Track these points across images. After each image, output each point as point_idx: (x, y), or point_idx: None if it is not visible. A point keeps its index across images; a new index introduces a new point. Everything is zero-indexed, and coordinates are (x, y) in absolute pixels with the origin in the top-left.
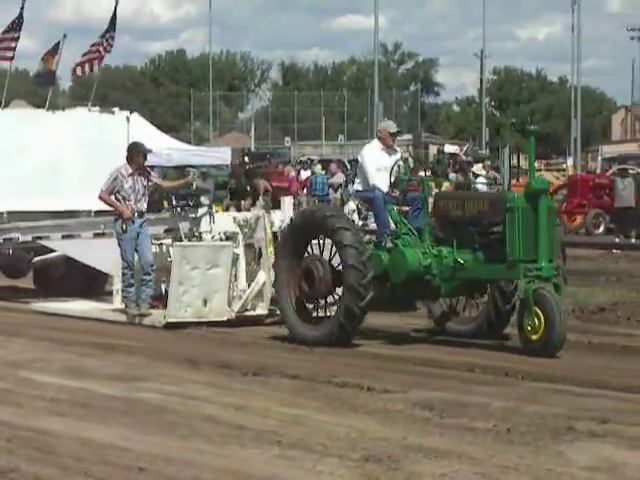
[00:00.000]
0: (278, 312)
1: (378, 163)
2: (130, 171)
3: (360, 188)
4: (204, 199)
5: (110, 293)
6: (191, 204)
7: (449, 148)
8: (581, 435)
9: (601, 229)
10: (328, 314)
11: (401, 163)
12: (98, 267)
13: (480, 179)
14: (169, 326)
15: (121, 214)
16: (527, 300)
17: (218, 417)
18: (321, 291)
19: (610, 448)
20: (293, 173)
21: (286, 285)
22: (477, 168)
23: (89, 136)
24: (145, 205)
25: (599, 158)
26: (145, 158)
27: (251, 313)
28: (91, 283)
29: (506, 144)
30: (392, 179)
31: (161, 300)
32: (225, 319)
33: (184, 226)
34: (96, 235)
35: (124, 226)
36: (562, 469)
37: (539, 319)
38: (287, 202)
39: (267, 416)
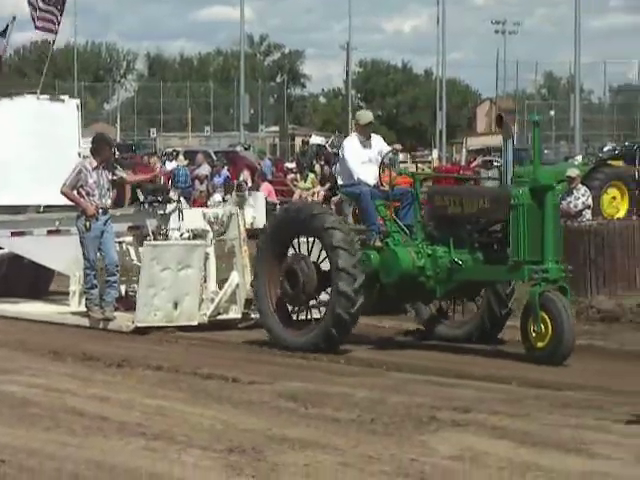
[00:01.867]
0: (253, 316)
1: (361, 156)
2: (95, 164)
3: (344, 183)
4: (173, 194)
5: (56, 294)
6: (160, 200)
7: (315, 140)
8: (444, 425)
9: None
10: (312, 317)
11: (391, 154)
12: (53, 267)
13: None
14: (138, 331)
15: (84, 211)
16: (533, 304)
17: (82, 409)
18: (305, 293)
19: (472, 437)
20: (159, 165)
21: (266, 287)
22: None
23: (38, 126)
24: (110, 201)
25: (464, 150)
26: (112, 150)
27: (224, 317)
28: (35, 284)
29: (509, 136)
30: (381, 171)
31: (121, 302)
32: (196, 323)
33: (151, 223)
34: (50, 232)
35: (87, 223)
36: (425, 458)
37: (545, 325)
38: (259, 198)
39: (131, 407)
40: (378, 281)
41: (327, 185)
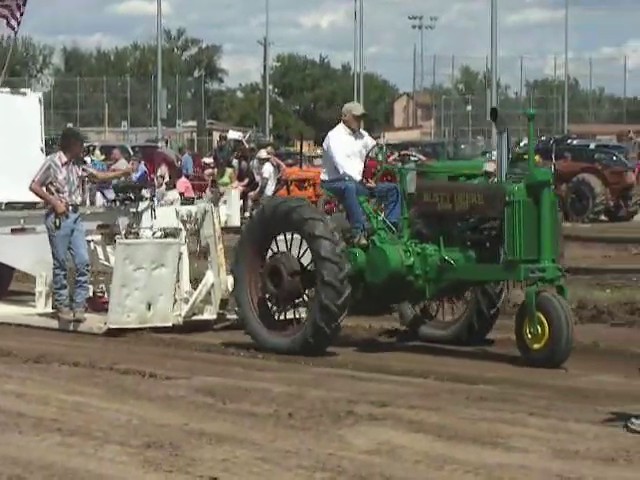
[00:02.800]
0: (229, 316)
1: (347, 149)
2: (64, 160)
3: (328, 178)
4: (146, 192)
5: (15, 294)
6: (132, 197)
7: (232, 134)
8: (361, 419)
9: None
10: (296, 317)
11: (377, 149)
12: (17, 267)
13: (266, 165)
14: (110, 333)
15: (54, 208)
16: (529, 305)
17: None
18: (290, 292)
19: (389, 431)
20: (132, 161)
21: (247, 286)
22: (261, 153)
23: None
24: (80, 198)
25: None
26: (82, 146)
27: (199, 317)
28: None
29: (503, 129)
30: (366, 166)
31: (89, 303)
32: (171, 324)
33: (123, 221)
34: (14, 231)
35: (57, 221)
36: (342, 453)
37: (542, 326)
38: (233, 195)
39: (47, 403)
40: (363, 281)
41: (245, 180)
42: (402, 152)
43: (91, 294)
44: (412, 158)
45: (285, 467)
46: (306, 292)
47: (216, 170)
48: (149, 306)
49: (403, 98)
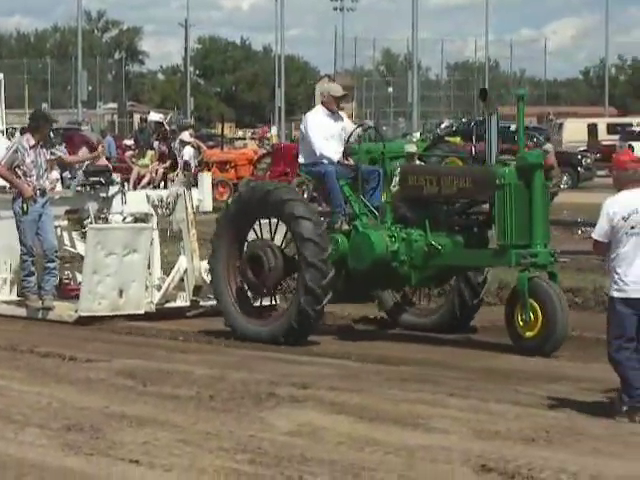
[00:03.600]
0: (202, 303)
1: (325, 131)
2: (32, 143)
3: (306, 161)
4: (116, 176)
5: None
6: (103, 181)
7: (153, 116)
8: (283, 401)
9: (305, 195)
10: (274, 303)
11: (360, 132)
12: None
13: (187, 147)
14: (81, 321)
15: (21, 192)
16: (521, 291)
17: None
18: (271, 281)
19: (311, 413)
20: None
21: (225, 273)
22: (183, 136)
23: None
24: (48, 182)
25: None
26: (51, 128)
27: (171, 305)
28: None
29: (493, 111)
30: (345, 147)
31: (56, 291)
32: (143, 312)
33: (93, 207)
34: None
35: (25, 206)
36: (263, 434)
37: (535, 314)
38: (205, 179)
39: None
40: (345, 267)
41: (167, 162)
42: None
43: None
44: None
45: (206, 449)
46: (287, 280)
47: (137, 152)
48: (121, 293)
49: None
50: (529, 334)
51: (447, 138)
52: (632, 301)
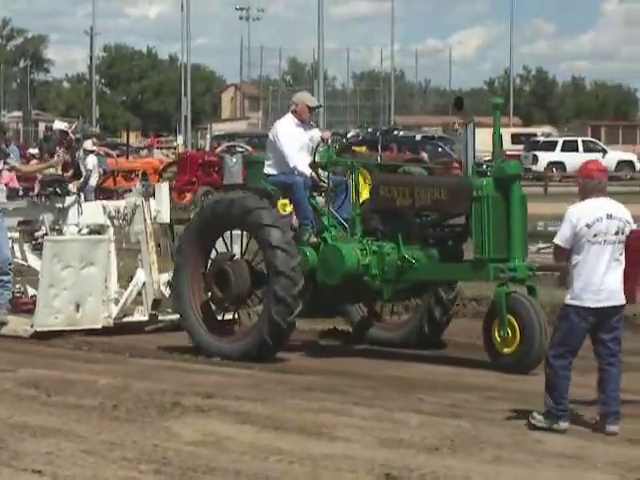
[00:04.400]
0: (161, 317)
1: (297, 142)
2: None
3: (274, 172)
4: (72, 186)
5: None
6: (58, 192)
7: (58, 125)
8: (187, 410)
9: None
10: (237, 319)
11: (324, 143)
12: None
13: (90, 156)
14: (37, 336)
15: None
16: (499, 307)
17: None
18: (238, 297)
19: (215, 422)
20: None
21: (189, 288)
22: (86, 144)
23: None
24: (2, 194)
25: (208, 136)
26: (5, 137)
27: (129, 319)
28: None
29: (469, 120)
30: (316, 159)
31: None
32: (100, 327)
33: (48, 218)
34: None
35: None
36: (168, 444)
37: (513, 330)
38: (163, 189)
39: None
40: (314, 281)
41: (70, 172)
42: (229, 143)
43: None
44: (239, 149)
45: (110, 459)
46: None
47: (41, 160)
48: (77, 307)
49: (230, 89)
50: (507, 351)
51: (353, 147)
52: (586, 311)
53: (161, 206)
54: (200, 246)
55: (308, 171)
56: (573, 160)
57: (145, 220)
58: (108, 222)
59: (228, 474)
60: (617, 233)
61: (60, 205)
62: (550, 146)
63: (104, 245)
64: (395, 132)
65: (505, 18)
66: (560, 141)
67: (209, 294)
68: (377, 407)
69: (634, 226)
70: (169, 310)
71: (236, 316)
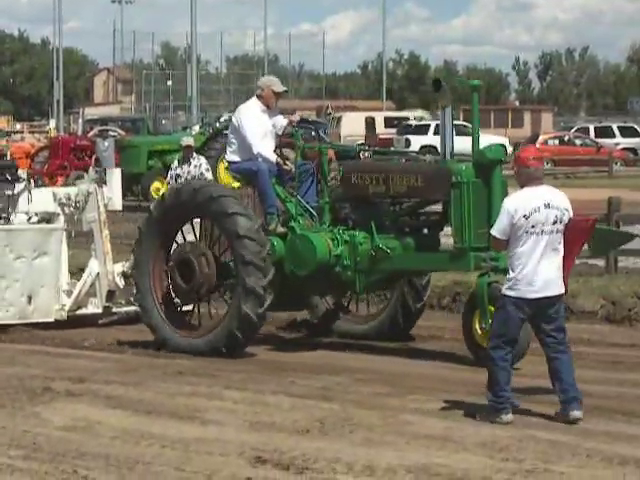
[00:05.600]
0: (115, 310)
1: (261, 128)
2: None
3: (237, 159)
4: (22, 172)
5: None
6: (9, 178)
7: None
8: (58, 395)
9: None
10: (193, 312)
11: (290, 128)
12: None
13: None
14: None
15: None
16: (480, 297)
17: None
18: (203, 288)
19: (86, 407)
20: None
21: (150, 280)
22: None
23: None
24: None
25: (80, 120)
26: None
27: (83, 312)
28: None
29: (447, 104)
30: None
31: None
32: (53, 320)
33: None
34: None
35: None
36: (39, 430)
37: None
38: (115, 175)
39: None
40: (281, 272)
41: None
42: (101, 127)
43: None
44: (111, 133)
45: None
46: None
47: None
48: (30, 299)
49: (103, 73)
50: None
51: (225, 131)
52: (523, 301)
53: (112, 193)
54: (161, 238)
55: (273, 157)
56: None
57: (99, 208)
58: (58, 210)
59: (99, 459)
60: (555, 222)
61: (9, 192)
62: (422, 130)
63: (58, 234)
64: None
65: (378, 2)
66: (432, 125)
67: (172, 286)
68: (249, 390)
69: (572, 214)
70: (122, 302)
71: (196, 308)
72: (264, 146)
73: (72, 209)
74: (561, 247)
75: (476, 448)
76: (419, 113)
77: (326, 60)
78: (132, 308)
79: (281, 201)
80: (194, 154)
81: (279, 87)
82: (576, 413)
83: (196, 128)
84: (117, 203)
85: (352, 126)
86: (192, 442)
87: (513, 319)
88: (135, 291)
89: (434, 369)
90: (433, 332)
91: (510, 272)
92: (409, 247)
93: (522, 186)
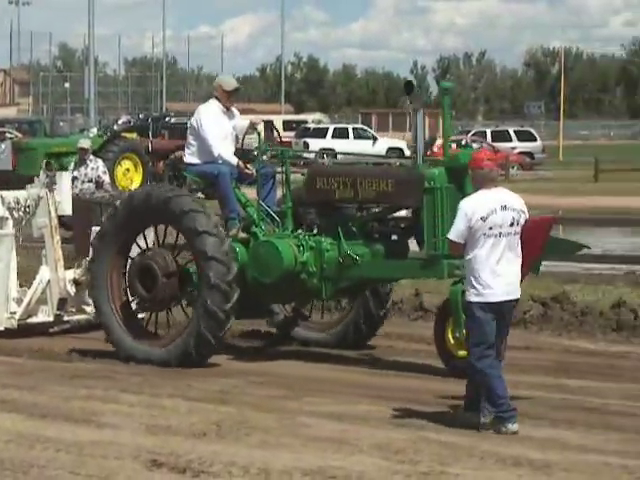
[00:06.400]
0: (67, 318)
1: (221, 129)
2: None
3: (197, 161)
4: None
5: None
6: None
7: None
8: None
9: None
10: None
11: (255, 130)
12: None
13: None
14: None
15: None
16: (454, 306)
17: None
18: (165, 295)
19: None
20: None
21: (108, 288)
22: None
23: None
24: None
25: None
26: None
27: (34, 320)
28: None
29: (419, 107)
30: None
31: None
32: (2, 328)
33: None
34: None
35: None
36: None
37: None
38: (64, 178)
39: None
40: (243, 280)
41: None
42: (0, 129)
43: None
44: (8, 135)
45: None
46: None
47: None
48: None
49: (0, 74)
50: (461, 353)
51: (124, 134)
52: (491, 305)
53: (62, 197)
54: (119, 246)
55: (234, 160)
56: (343, 147)
57: (49, 213)
58: (7, 214)
59: None
60: (512, 224)
61: None
62: (321, 133)
63: (7, 240)
64: (167, 119)
65: (277, 5)
66: (331, 128)
67: (132, 295)
68: (145, 394)
69: (528, 216)
70: (72, 309)
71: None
72: (225, 148)
73: (21, 214)
74: (519, 249)
75: (372, 450)
76: (317, 116)
77: (225, 63)
78: (84, 316)
79: (242, 206)
80: (91, 156)
81: (228, 85)
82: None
83: (94, 130)
84: (67, 207)
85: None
86: (87, 445)
87: (487, 324)
88: (91, 293)
89: (331, 372)
90: None
91: (470, 277)
92: (378, 254)
93: (477, 188)
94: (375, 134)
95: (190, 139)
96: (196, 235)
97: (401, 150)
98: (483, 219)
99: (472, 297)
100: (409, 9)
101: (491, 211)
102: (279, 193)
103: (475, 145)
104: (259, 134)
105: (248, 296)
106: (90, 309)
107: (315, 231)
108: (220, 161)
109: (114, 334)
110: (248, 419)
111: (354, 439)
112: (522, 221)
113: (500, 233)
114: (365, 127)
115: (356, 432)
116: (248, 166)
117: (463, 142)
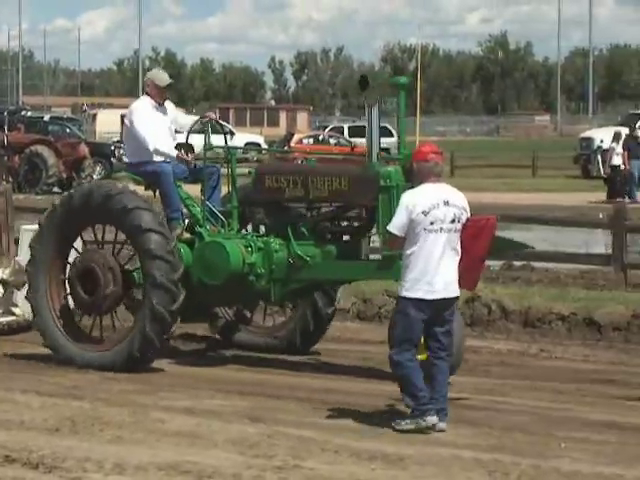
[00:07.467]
0: (1, 319)
1: (156, 124)
2: None
3: (137, 159)
4: None
5: None
6: None
7: None
8: None
9: None
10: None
11: (199, 125)
12: None
13: None
14: None
15: None
16: None
17: None
18: (109, 299)
19: None
20: None
21: (47, 290)
22: None
23: None
24: None
25: None
26: None
27: None
28: None
29: (374, 102)
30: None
31: None
32: None
33: None
34: None
35: None
36: None
37: None
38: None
39: None
40: (187, 282)
41: None
42: None
43: None
44: None
45: None
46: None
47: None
48: None
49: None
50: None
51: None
52: (425, 303)
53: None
54: (62, 240)
55: (174, 152)
56: (201, 142)
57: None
58: None
59: None
60: (453, 221)
61: None
62: None
63: None
64: (23, 112)
65: None
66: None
67: (72, 297)
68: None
69: (469, 214)
70: (1, 311)
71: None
72: (161, 143)
73: None
74: (459, 248)
75: (226, 445)
76: None
77: (82, 56)
78: (12, 318)
79: (185, 205)
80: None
81: (161, 81)
82: (441, 425)
83: None
84: None
85: (107, 123)
86: None
87: (416, 322)
88: (28, 293)
89: (187, 368)
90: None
91: (407, 272)
92: (330, 255)
93: (420, 182)
94: (233, 129)
95: (126, 139)
96: (141, 233)
97: (259, 145)
98: (425, 213)
99: (406, 292)
100: (267, 3)
101: (433, 205)
102: (223, 191)
103: (332, 141)
104: (206, 131)
105: (192, 299)
106: (18, 311)
107: (263, 231)
108: (158, 156)
109: (53, 339)
110: (102, 414)
111: (208, 433)
112: (463, 219)
113: (441, 228)
114: (223, 122)
115: (209, 426)
116: (188, 153)
117: (320, 137)
